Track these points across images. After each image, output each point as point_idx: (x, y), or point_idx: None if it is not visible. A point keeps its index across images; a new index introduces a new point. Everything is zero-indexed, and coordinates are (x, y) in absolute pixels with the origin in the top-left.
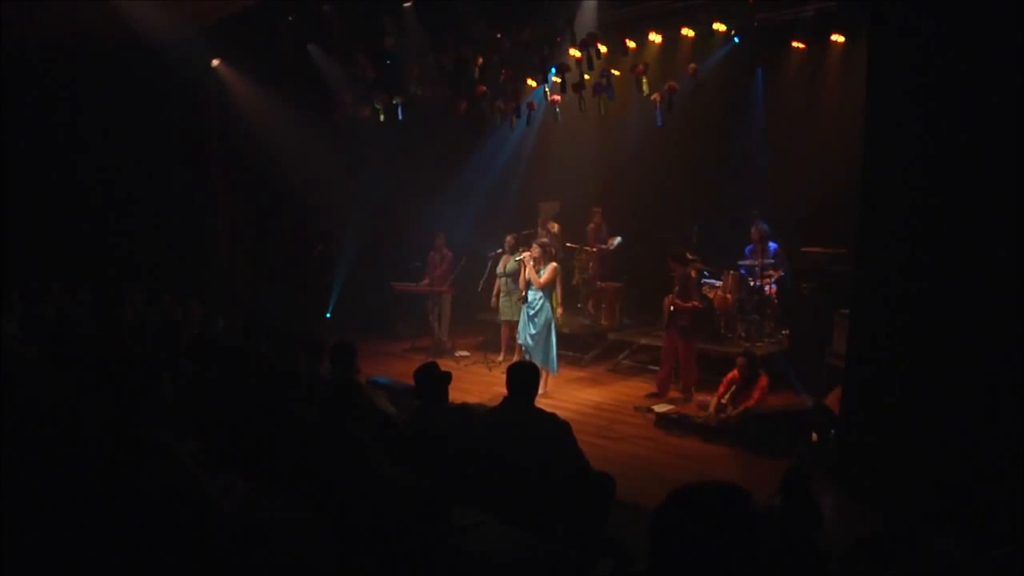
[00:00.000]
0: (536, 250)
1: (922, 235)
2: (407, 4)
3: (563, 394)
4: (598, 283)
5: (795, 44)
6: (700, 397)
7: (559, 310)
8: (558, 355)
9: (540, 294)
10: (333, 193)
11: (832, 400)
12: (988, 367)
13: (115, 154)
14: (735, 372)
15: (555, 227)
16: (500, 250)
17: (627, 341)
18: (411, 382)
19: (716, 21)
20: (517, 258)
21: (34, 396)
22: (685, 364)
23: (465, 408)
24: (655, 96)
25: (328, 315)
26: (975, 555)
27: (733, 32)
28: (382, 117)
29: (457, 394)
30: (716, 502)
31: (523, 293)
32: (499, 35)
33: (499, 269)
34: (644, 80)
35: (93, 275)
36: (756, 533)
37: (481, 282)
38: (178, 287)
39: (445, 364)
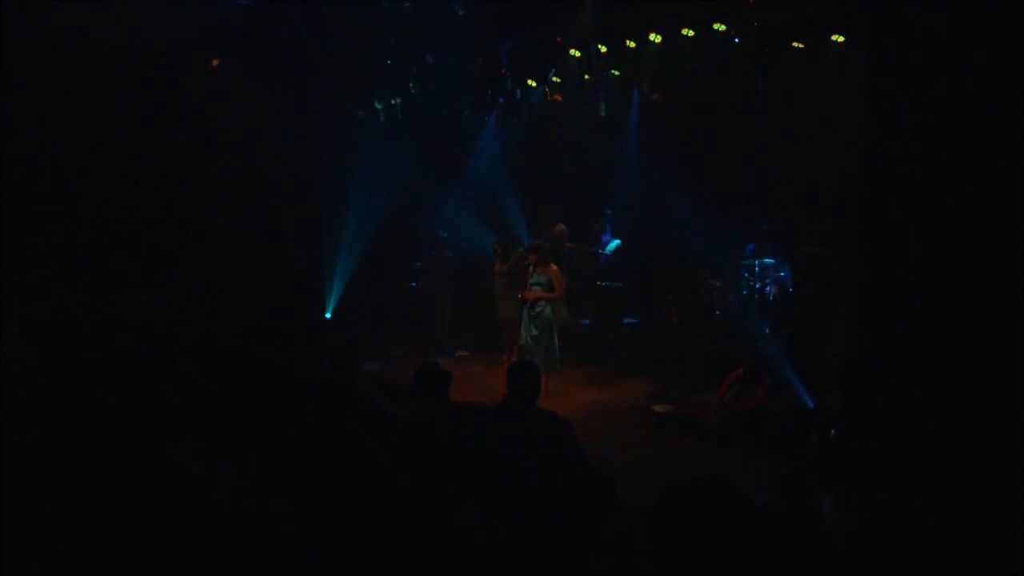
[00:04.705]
0: (532, 257)
1: (922, 234)
2: (407, 4)
3: (563, 394)
4: (598, 283)
5: (795, 44)
6: (700, 397)
7: (564, 311)
8: (560, 356)
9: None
10: (333, 193)
11: (832, 400)
12: (988, 366)
13: (115, 154)
14: (739, 371)
15: (561, 228)
16: (499, 250)
17: (627, 341)
18: (411, 382)
19: (716, 21)
20: (508, 267)
21: (34, 396)
22: (686, 364)
23: (465, 408)
24: (656, 96)
25: (328, 315)
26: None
27: (733, 32)
28: (382, 117)
29: (457, 394)
30: (712, 496)
31: (523, 295)
32: (499, 35)
33: (496, 269)
34: (645, 80)
35: (93, 275)
36: (753, 528)
37: (481, 283)
38: (178, 287)
39: (445, 364)
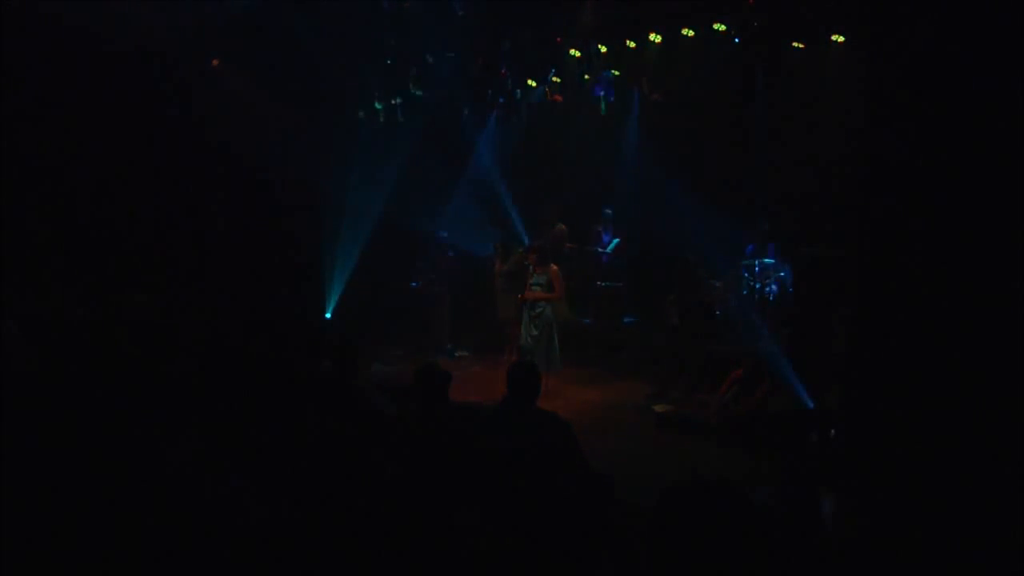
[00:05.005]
0: (532, 257)
1: (922, 234)
2: (407, 4)
3: (563, 394)
4: (598, 283)
5: (795, 44)
6: (700, 397)
7: (565, 310)
8: (560, 355)
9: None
10: (333, 193)
11: (832, 400)
12: (988, 366)
13: (115, 154)
14: (739, 371)
15: (561, 228)
16: (500, 249)
17: (627, 341)
18: (411, 382)
19: (716, 21)
20: (508, 267)
21: (34, 396)
22: (686, 364)
23: (465, 408)
24: (656, 96)
25: (328, 315)
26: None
27: (733, 32)
28: (382, 117)
29: (457, 394)
30: (712, 496)
31: (522, 295)
32: (499, 35)
33: (496, 269)
34: (644, 80)
35: (92, 274)
36: (753, 528)
37: (481, 283)
38: (177, 287)
39: (445, 364)
